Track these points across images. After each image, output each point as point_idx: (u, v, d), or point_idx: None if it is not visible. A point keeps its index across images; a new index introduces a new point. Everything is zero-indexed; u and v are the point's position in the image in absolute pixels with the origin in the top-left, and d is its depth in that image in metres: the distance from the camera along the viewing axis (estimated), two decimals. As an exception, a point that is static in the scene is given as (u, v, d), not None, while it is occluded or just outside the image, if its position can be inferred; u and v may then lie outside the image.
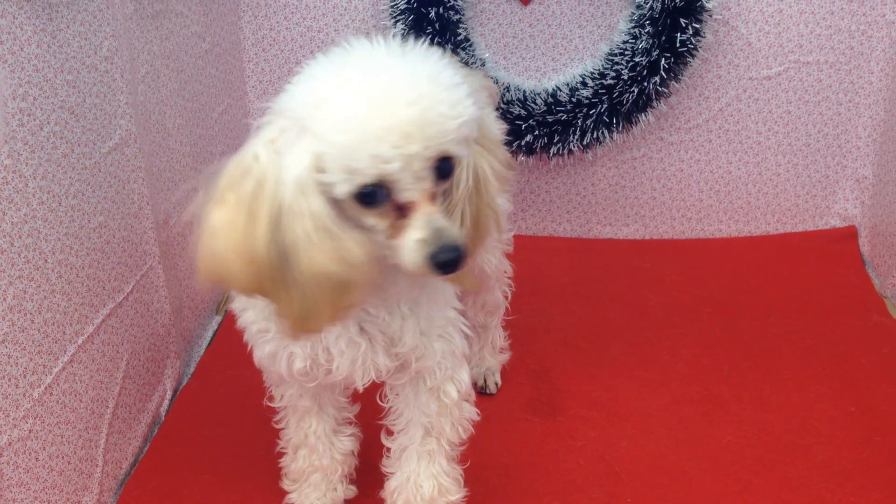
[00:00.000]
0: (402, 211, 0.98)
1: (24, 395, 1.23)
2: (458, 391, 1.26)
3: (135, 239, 1.58)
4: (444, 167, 0.97)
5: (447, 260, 0.97)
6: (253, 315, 1.18)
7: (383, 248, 1.01)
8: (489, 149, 1.08)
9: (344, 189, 0.94)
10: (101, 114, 1.46)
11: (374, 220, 0.98)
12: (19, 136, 1.23)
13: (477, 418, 1.33)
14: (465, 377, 1.27)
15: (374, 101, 0.91)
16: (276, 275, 0.97)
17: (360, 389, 1.25)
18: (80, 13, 1.39)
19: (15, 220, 1.21)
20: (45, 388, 1.28)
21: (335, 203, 0.97)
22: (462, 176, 1.03)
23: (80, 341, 1.38)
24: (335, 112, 0.92)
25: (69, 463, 1.35)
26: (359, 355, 1.16)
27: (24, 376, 1.23)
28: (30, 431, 1.24)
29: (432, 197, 0.98)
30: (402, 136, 0.91)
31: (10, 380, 1.19)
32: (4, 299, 1.18)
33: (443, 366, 1.23)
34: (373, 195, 0.95)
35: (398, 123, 0.91)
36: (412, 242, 0.98)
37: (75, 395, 1.37)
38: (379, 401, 1.32)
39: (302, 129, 0.94)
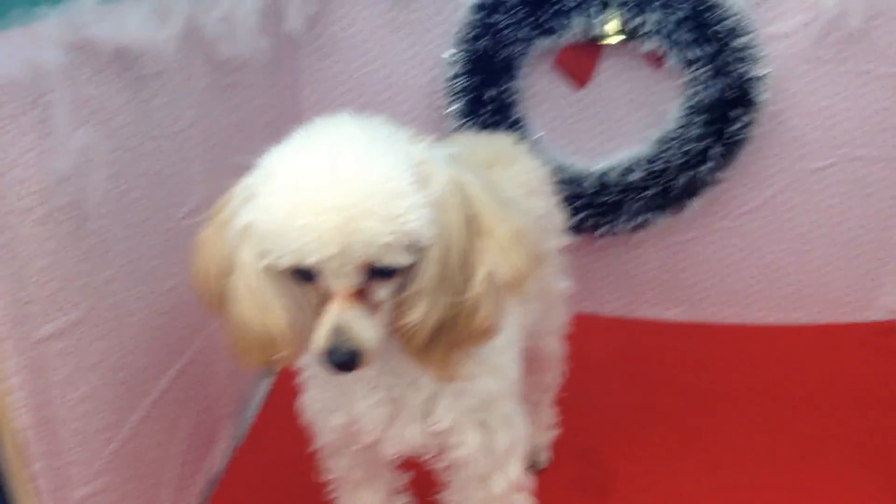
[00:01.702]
0: (326, 296, 1.00)
1: (102, 449, 1.26)
2: (507, 484, 1.26)
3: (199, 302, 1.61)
4: (381, 269, 0.98)
5: (336, 362, 0.99)
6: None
7: (312, 320, 1.03)
8: (500, 250, 1.02)
9: (269, 262, 0.98)
10: (179, 181, 1.51)
11: (307, 292, 1.02)
12: (108, 201, 1.28)
13: None
14: (514, 470, 1.26)
15: (301, 199, 0.93)
16: (218, 304, 1.06)
17: (387, 459, 1.27)
18: (166, 84, 1.46)
19: (101, 280, 1.26)
20: (121, 442, 1.32)
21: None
22: (426, 271, 1.00)
23: (151, 398, 1.41)
24: (268, 194, 0.97)
25: (134, 520, 1.37)
26: (384, 421, 1.17)
27: (104, 431, 1.26)
28: (105, 485, 1.27)
29: (359, 293, 0.99)
30: (320, 238, 0.93)
31: (91, 434, 1.23)
32: (90, 356, 1.22)
33: (484, 459, 1.22)
34: (300, 273, 0.99)
35: (319, 225, 0.92)
36: (318, 332, 1.00)
37: (144, 452, 1.39)
38: (438, 476, 1.33)
39: (256, 189, 1.00)
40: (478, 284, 1.01)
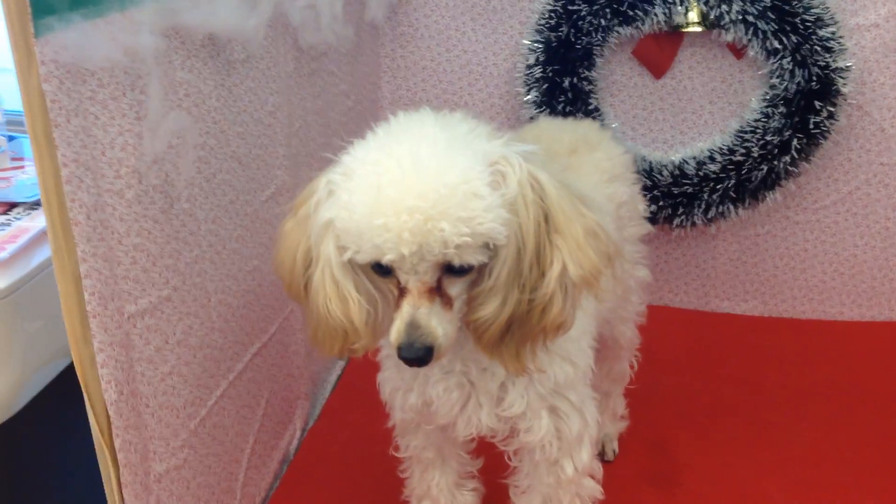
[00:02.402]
0: (402, 290, 1.03)
1: (183, 425, 1.30)
2: (576, 468, 1.27)
3: (280, 283, 1.65)
4: (456, 267, 1.00)
5: (410, 357, 1.02)
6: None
7: (389, 312, 1.07)
8: (571, 249, 1.03)
9: (349, 256, 1.01)
10: (262, 164, 1.55)
11: (384, 285, 1.07)
12: (196, 183, 1.32)
13: (600, 497, 1.33)
14: (584, 455, 1.27)
15: (380, 198, 0.96)
16: (300, 294, 1.10)
17: (461, 440, 1.31)
18: (252, 70, 1.49)
19: (188, 259, 1.30)
20: (200, 420, 1.36)
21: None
22: (500, 268, 1.02)
23: (231, 377, 1.46)
24: (349, 191, 0.99)
25: (213, 494, 1.42)
26: (457, 405, 1.20)
27: (185, 408, 1.30)
28: (184, 461, 1.31)
29: (433, 288, 1.02)
30: (398, 237, 0.96)
31: (172, 410, 1.27)
32: (174, 333, 1.26)
33: (554, 444, 1.23)
34: (379, 267, 1.02)
35: (396, 225, 0.95)
36: (394, 326, 1.03)
37: (223, 429, 1.44)
38: (507, 459, 1.35)
39: (337, 186, 1.02)
40: (551, 282, 1.02)
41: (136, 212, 1.16)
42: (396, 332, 1.02)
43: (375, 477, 1.66)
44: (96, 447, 1.12)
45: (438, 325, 1.02)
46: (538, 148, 1.09)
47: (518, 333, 1.05)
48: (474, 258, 0.99)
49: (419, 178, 0.95)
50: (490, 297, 1.03)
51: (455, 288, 1.04)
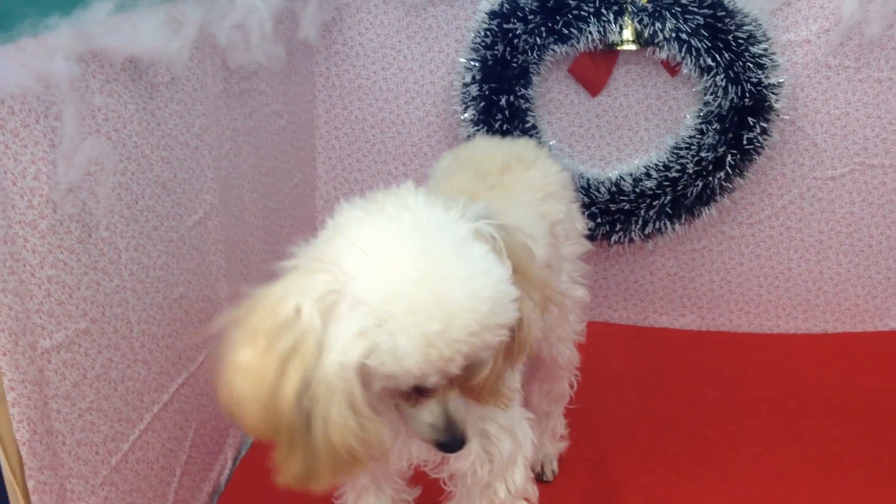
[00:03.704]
0: (423, 391, 1.02)
1: (103, 462, 1.26)
2: (509, 491, 1.26)
3: (209, 310, 1.62)
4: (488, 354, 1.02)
5: (450, 448, 1.06)
6: None
7: (398, 406, 1.06)
8: (532, 285, 1.07)
9: (379, 386, 0.97)
10: (189, 189, 1.51)
11: (399, 400, 1.04)
12: (117, 210, 1.28)
13: None
14: (517, 477, 1.25)
15: (430, 337, 0.92)
16: (291, 434, 0.97)
17: (393, 472, 1.30)
18: (177, 92, 1.46)
19: (108, 290, 1.26)
20: (122, 455, 1.31)
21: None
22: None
23: (155, 410, 1.41)
24: (389, 334, 0.92)
25: (137, 530, 1.37)
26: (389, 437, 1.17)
27: (105, 444, 1.26)
28: (105, 499, 1.27)
29: (451, 385, 1.03)
30: (448, 362, 0.95)
31: (91, 447, 1.22)
32: (93, 368, 1.22)
33: (486, 467, 1.23)
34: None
35: (449, 354, 0.94)
36: (424, 424, 1.04)
37: (147, 464, 1.39)
38: (443, 484, 1.32)
39: (356, 316, 0.94)
40: (526, 320, 1.06)
41: (50, 242, 1.12)
42: (433, 431, 1.04)
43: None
44: (8, 489, 1.07)
45: (462, 408, 1.06)
46: (485, 206, 1.09)
47: (505, 371, 1.10)
48: (496, 346, 1.01)
49: (461, 303, 0.93)
50: (487, 362, 1.05)
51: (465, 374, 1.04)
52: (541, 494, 1.37)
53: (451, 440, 1.04)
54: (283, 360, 0.95)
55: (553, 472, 1.77)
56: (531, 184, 1.49)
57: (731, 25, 2.03)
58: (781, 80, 2.05)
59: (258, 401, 0.97)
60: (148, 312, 1.38)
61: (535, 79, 2.15)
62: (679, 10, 2.04)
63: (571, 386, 1.73)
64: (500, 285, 0.98)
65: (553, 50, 2.13)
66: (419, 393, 1.02)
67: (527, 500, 1.30)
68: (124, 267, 1.30)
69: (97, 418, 1.24)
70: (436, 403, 1.03)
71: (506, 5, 2.10)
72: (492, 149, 1.58)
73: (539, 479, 1.74)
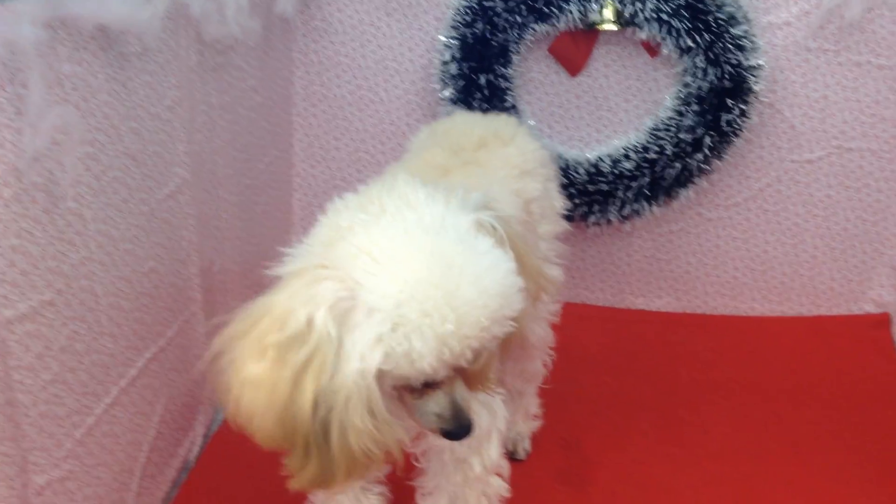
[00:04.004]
0: (432, 385, 1.03)
1: (67, 435, 1.24)
2: (484, 466, 1.27)
3: (180, 284, 1.60)
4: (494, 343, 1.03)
5: (458, 435, 1.07)
6: None
7: (408, 405, 1.07)
8: (529, 273, 1.09)
9: (390, 385, 1.00)
10: (160, 161, 1.49)
11: (405, 393, 1.05)
12: (84, 181, 1.26)
13: (506, 494, 1.33)
14: (492, 452, 1.27)
15: (445, 337, 0.94)
16: (307, 443, 0.98)
17: None
18: (149, 63, 1.44)
19: (74, 261, 1.24)
20: (87, 428, 1.30)
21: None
22: None
23: (122, 384, 1.40)
24: (403, 337, 0.94)
25: (103, 505, 1.36)
26: None
27: (69, 416, 1.25)
28: (69, 472, 1.26)
29: (456, 374, 1.04)
30: (459, 357, 0.97)
31: (55, 420, 1.21)
32: (58, 339, 1.20)
33: (464, 442, 1.21)
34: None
35: (460, 350, 0.96)
36: (431, 414, 1.06)
37: (114, 438, 1.38)
38: (413, 461, 1.32)
39: (371, 324, 0.94)
40: (524, 310, 1.05)
41: (14, 212, 1.11)
42: (440, 420, 1.05)
43: (280, 482, 1.61)
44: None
45: (467, 396, 1.07)
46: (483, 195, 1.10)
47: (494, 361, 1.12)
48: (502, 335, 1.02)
49: (473, 302, 0.95)
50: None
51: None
52: (513, 473, 1.37)
53: (458, 428, 1.05)
54: (299, 372, 0.95)
55: (526, 450, 1.77)
56: (507, 161, 1.48)
57: (711, 6, 2.02)
58: (761, 63, 2.05)
59: (272, 413, 0.97)
60: (116, 285, 1.36)
61: (514, 58, 2.14)
62: (660, -11, 2.03)
63: (545, 366, 1.73)
64: (509, 278, 0.99)
65: (533, 29, 2.11)
66: (427, 386, 1.03)
67: (499, 474, 1.31)
68: (91, 238, 1.28)
69: (61, 391, 1.22)
70: (443, 394, 1.04)
71: (486, -18, 2.08)
72: (470, 124, 1.57)
73: (512, 457, 1.74)
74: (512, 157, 1.49)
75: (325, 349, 0.95)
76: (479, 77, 2.11)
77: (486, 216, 1.05)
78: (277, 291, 1.00)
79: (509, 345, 1.12)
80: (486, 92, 2.13)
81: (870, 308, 2.31)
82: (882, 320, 2.27)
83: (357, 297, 0.95)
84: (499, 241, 1.03)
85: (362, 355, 0.95)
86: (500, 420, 1.27)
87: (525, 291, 1.05)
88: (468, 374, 1.08)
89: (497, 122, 1.59)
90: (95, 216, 1.29)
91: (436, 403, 1.05)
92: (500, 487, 1.32)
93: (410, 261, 0.96)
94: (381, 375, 0.97)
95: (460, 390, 1.06)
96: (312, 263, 0.99)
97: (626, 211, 2.19)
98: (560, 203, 1.65)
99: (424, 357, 0.94)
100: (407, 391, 1.05)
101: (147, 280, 1.47)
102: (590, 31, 2.13)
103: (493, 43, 2.11)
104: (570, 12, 2.08)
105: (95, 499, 1.34)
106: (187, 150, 1.58)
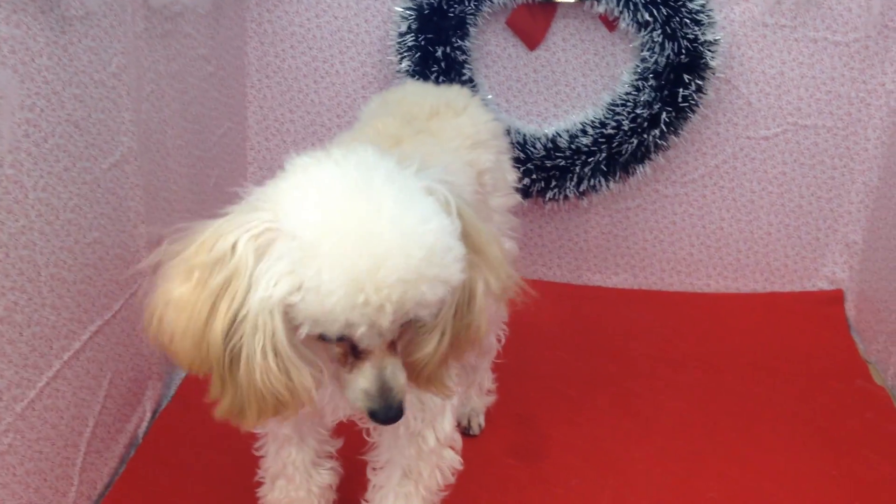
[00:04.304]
0: (359, 353, 0.99)
1: (7, 409, 1.21)
2: (437, 439, 1.25)
3: (128, 257, 1.56)
4: (419, 318, 0.96)
5: (383, 417, 1.00)
6: None
7: (336, 373, 1.02)
8: (490, 266, 1.04)
9: (306, 331, 0.94)
10: (104, 129, 1.45)
11: (334, 348, 1.00)
12: (23, 147, 1.22)
13: (459, 467, 1.31)
14: (446, 425, 1.26)
15: (357, 276, 0.88)
16: (220, 368, 0.96)
17: (331, 425, 1.27)
18: (92, 28, 1.39)
19: (12, 230, 1.20)
20: (28, 402, 1.26)
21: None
22: (448, 307, 1.00)
23: (65, 357, 1.36)
24: (314, 271, 0.89)
25: (45, 480, 1.33)
26: (326, 395, 1.14)
27: (9, 390, 1.21)
28: (9, 446, 1.22)
29: (392, 344, 0.99)
30: (377, 311, 0.90)
31: (-9, 394, 1.18)
32: (-5, 311, 1.17)
33: (418, 416, 1.22)
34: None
35: (377, 301, 0.89)
36: (358, 389, 1.00)
37: (57, 412, 1.35)
38: (365, 436, 1.31)
39: (286, 252, 0.91)
40: (477, 302, 1.02)
41: (-53, 177, 1.07)
42: (366, 397, 1.00)
43: (229, 459, 1.59)
44: None
45: (402, 378, 1.01)
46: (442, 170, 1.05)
47: (450, 359, 1.05)
48: (435, 308, 0.96)
49: (394, 244, 0.89)
50: (431, 335, 1.00)
51: (406, 336, 1.01)
52: (467, 448, 1.37)
53: (383, 409, 1.00)
54: (215, 296, 0.94)
55: (480, 426, 1.76)
56: (460, 131, 1.46)
57: (669, -19, 2.01)
58: (718, 38, 2.05)
59: (189, 335, 0.95)
60: (58, 255, 1.32)
61: (472, 30, 2.12)
62: (618, -37, 2.02)
63: (499, 340, 1.72)
64: (442, 236, 0.93)
65: (490, 0, 2.09)
66: (356, 356, 0.99)
67: (452, 447, 1.30)
68: (31, 207, 1.24)
69: (1, 363, 1.19)
70: (370, 367, 0.99)
71: (443, -48, 2.05)
72: (422, 94, 1.55)
73: (466, 433, 1.73)
74: (464, 128, 1.47)
75: (241, 275, 0.93)
76: (436, 49, 2.09)
77: (443, 188, 1.00)
78: (217, 220, 0.98)
79: (460, 343, 1.05)
80: (442, 64, 2.10)
81: (823, 285, 2.32)
82: (835, 297, 2.29)
83: (281, 228, 0.92)
84: (446, 209, 0.98)
85: (269, 284, 0.91)
86: (454, 395, 1.25)
87: (476, 280, 1.01)
88: (412, 364, 1.03)
89: (449, 93, 1.57)
90: (35, 184, 1.25)
91: (364, 378, 1.00)
92: (454, 460, 1.30)
93: (339, 196, 0.92)
94: (294, 316, 0.93)
95: (393, 368, 1.00)
96: (252, 198, 0.99)
97: (584, 187, 2.18)
98: (512, 176, 1.63)
99: (333, 294, 0.88)
100: (340, 362, 1.02)
101: (91, 251, 1.43)
102: (548, 4, 2.12)
103: (450, 14, 2.08)
104: (528, -16, 2.06)
105: (38, 473, 1.31)
106: (134, 118, 1.54)
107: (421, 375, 1.05)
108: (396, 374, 1.00)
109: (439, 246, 0.92)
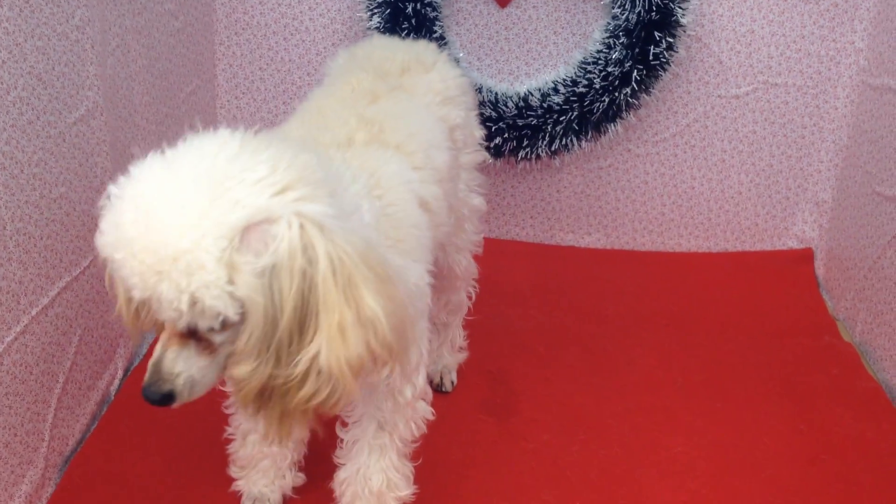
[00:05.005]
0: (160, 326, 1.00)
1: (-26, 363, 1.20)
2: (413, 392, 1.27)
3: (96, 214, 1.54)
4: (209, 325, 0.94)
5: (149, 398, 0.99)
6: None
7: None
8: (337, 332, 0.95)
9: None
10: (68, 83, 1.43)
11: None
12: (-16, 99, 1.20)
13: (431, 418, 1.34)
14: (420, 380, 1.28)
15: (121, 233, 0.91)
16: None
17: None
18: (54, -21, 1.37)
19: (-25, 183, 1.18)
20: (-8, 359, 1.25)
21: None
22: (247, 335, 0.94)
23: (33, 312, 1.35)
24: (104, 218, 0.94)
25: (15, 435, 1.32)
26: None
27: (-25, 344, 1.20)
28: (-25, 403, 1.21)
29: (184, 334, 0.97)
30: (138, 276, 0.91)
31: (-44, 349, 1.16)
32: (-42, 264, 1.15)
33: (398, 378, 1.23)
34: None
35: (130, 266, 0.91)
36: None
37: (26, 367, 1.34)
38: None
39: (108, 211, 0.95)
40: (302, 362, 0.95)
41: None
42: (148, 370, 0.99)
43: (201, 416, 1.58)
44: None
45: (184, 370, 0.98)
46: (334, 209, 0.97)
47: (276, 405, 0.99)
48: (214, 322, 0.93)
49: (152, 228, 0.90)
50: (243, 358, 0.96)
51: (217, 336, 0.97)
52: (440, 404, 1.39)
53: (149, 390, 0.98)
54: None
55: (452, 382, 1.77)
56: (430, 87, 1.46)
57: (640, -63, 2.00)
58: (689, -5, 2.04)
59: None
60: (23, 210, 1.30)
61: (443, -14, 2.10)
62: (590, -81, 2.00)
63: (469, 297, 1.73)
64: (200, 254, 0.89)
65: (462, -43, 2.07)
66: (159, 328, 1.00)
67: (424, 399, 1.31)
68: (-7, 160, 1.22)
69: (-36, 318, 1.18)
70: (159, 343, 0.99)
71: None
72: (391, 48, 1.53)
73: (438, 389, 1.74)
74: (434, 84, 1.46)
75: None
76: (406, 5, 2.07)
77: (314, 213, 0.93)
78: None
79: (291, 398, 0.97)
80: (413, 21, 2.08)
81: (793, 244, 2.35)
82: (805, 255, 2.31)
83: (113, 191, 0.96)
84: (274, 242, 0.92)
85: (98, 240, 0.96)
86: (425, 353, 1.28)
87: (328, 354, 0.94)
88: (239, 387, 0.99)
89: (417, 47, 1.56)
90: (-2, 137, 1.23)
91: (154, 354, 1.00)
92: (426, 411, 1.32)
93: (143, 181, 0.94)
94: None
95: (179, 359, 0.98)
96: None
97: (556, 146, 2.18)
98: (480, 133, 1.63)
99: (104, 234, 0.93)
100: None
101: (57, 207, 1.41)
102: (520, -39, 2.10)
103: (421, -30, 2.06)
104: (500, -60, 2.04)
105: (9, 428, 1.30)
106: (99, 73, 1.52)
107: (238, 397, 1.00)
108: (175, 362, 0.98)
109: (187, 258, 0.89)
